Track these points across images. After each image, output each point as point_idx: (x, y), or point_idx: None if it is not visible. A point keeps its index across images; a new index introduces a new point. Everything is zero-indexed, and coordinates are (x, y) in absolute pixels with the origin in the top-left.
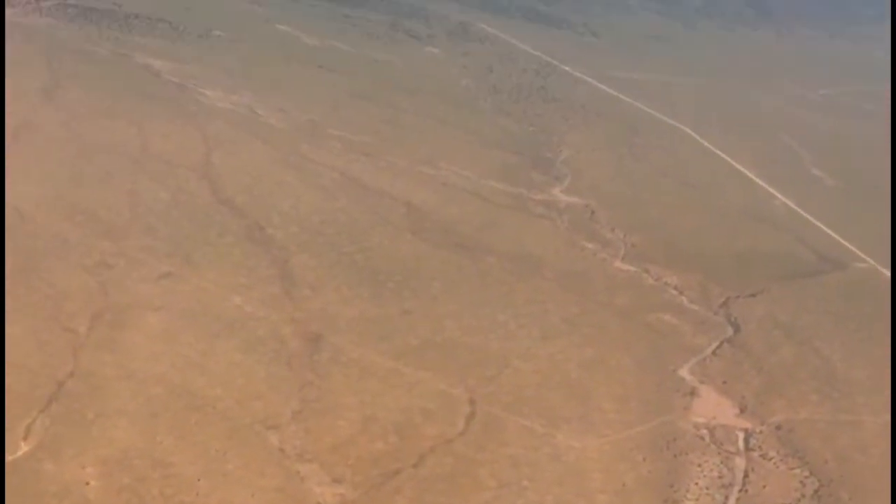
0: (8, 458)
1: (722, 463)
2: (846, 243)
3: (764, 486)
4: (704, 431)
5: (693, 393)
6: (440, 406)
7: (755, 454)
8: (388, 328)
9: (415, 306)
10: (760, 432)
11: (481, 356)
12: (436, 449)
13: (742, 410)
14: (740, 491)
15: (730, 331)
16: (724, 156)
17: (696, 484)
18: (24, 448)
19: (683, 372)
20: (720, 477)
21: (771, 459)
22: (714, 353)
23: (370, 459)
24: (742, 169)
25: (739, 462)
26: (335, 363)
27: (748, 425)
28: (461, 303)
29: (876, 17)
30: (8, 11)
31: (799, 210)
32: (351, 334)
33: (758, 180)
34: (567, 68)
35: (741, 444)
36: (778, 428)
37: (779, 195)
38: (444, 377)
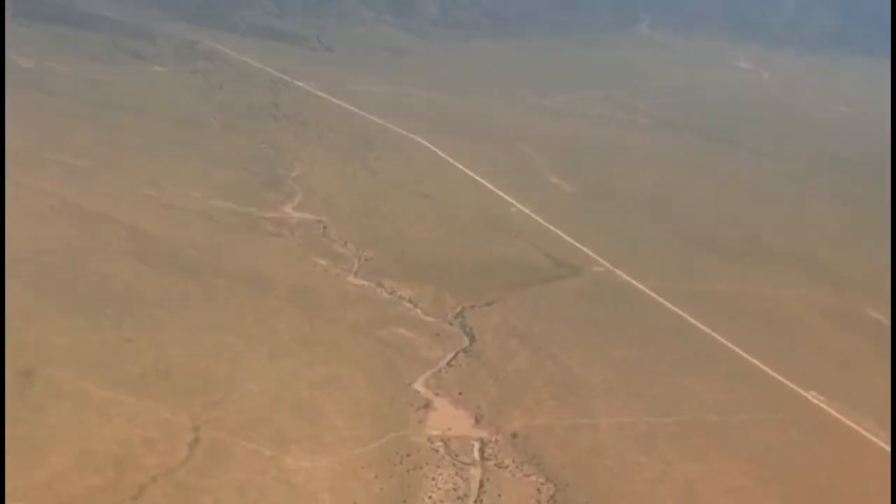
0: None
1: (457, 475)
2: (583, 248)
3: (499, 495)
4: (439, 444)
5: (428, 406)
6: (162, 435)
7: (490, 463)
8: (107, 357)
9: (137, 333)
10: (496, 441)
11: (207, 381)
12: (157, 479)
13: (478, 420)
14: (475, 501)
15: (465, 341)
16: (460, 166)
17: (430, 497)
18: None
19: (418, 385)
20: (455, 489)
21: (507, 468)
22: (449, 364)
23: (84, 495)
24: (479, 178)
25: (475, 473)
26: (49, 396)
27: (484, 435)
28: (187, 327)
29: (612, 24)
30: None
31: (536, 217)
32: (67, 365)
33: (495, 189)
34: (300, 83)
35: (476, 454)
36: (514, 436)
37: (516, 203)
38: (167, 405)
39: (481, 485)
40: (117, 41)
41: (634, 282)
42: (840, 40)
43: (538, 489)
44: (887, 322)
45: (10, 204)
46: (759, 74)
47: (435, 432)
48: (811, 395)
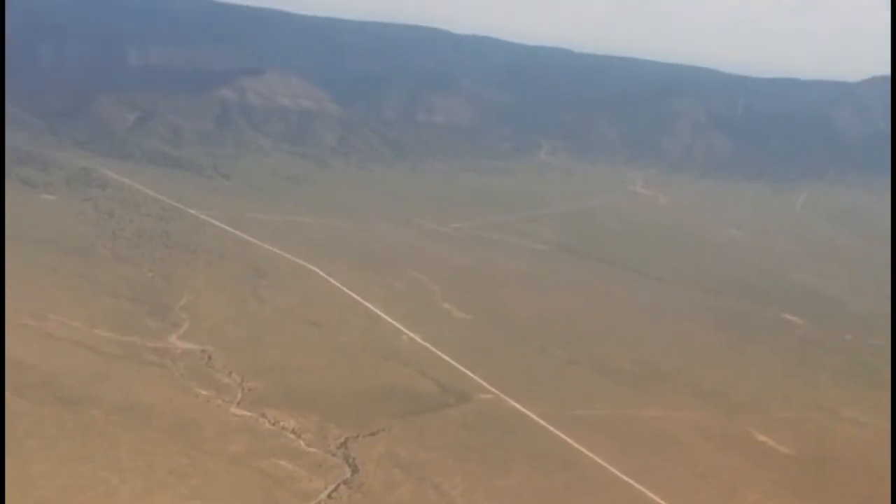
0: None
1: None
2: (472, 375)
3: None
4: None
5: None
6: None
7: None
8: None
9: (7, 469)
10: None
11: None
12: None
13: None
14: None
15: (348, 472)
16: (352, 293)
17: None
18: None
19: None
20: None
21: None
22: (330, 496)
23: None
24: (370, 306)
25: None
26: None
27: None
28: (59, 460)
29: (511, 151)
30: None
31: (425, 344)
32: None
33: (385, 316)
34: (193, 211)
35: None
36: None
37: (406, 330)
38: None
39: None
40: (8, 169)
41: (523, 408)
42: (733, 165)
43: None
44: (774, 444)
45: None
46: (656, 198)
47: None
48: None
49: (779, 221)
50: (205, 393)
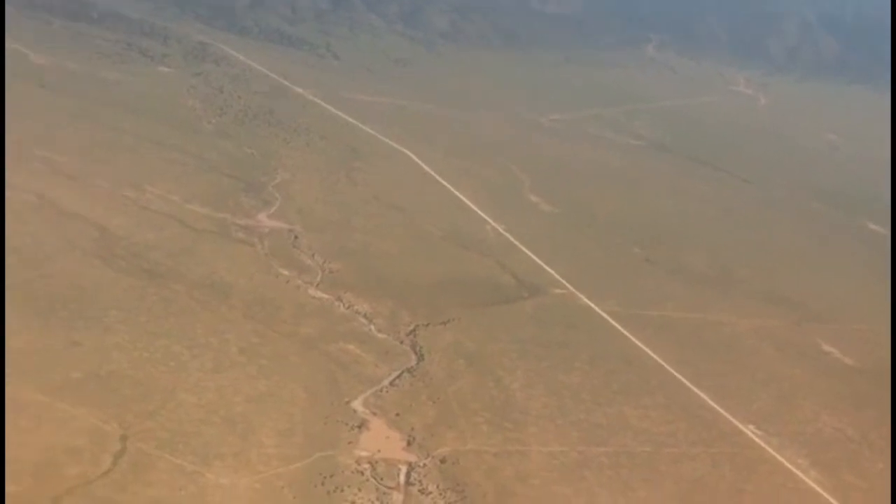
0: None
1: (377, 499)
2: (549, 269)
3: None
4: (366, 466)
5: (362, 426)
6: (89, 443)
7: (414, 489)
8: (51, 360)
9: (85, 337)
10: (424, 466)
11: (145, 389)
12: (73, 491)
13: (409, 443)
14: None
15: (413, 360)
16: (441, 180)
17: None
18: None
19: (357, 404)
20: None
21: (429, 494)
22: (392, 383)
23: None
24: (458, 194)
25: (397, 497)
26: None
27: (413, 458)
28: (136, 333)
29: (619, 44)
30: None
31: (508, 236)
32: (11, 367)
33: (471, 205)
34: (300, 90)
35: (402, 478)
36: (442, 461)
37: (490, 220)
38: (100, 412)
39: None
40: (131, 40)
41: (593, 305)
42: (840, 69)
43: None
44: (839, 355)
45: None
46: (757, 99)
47: (364, 453)
48: (749, 430)
49: (880, 128)
50: (286, 273)
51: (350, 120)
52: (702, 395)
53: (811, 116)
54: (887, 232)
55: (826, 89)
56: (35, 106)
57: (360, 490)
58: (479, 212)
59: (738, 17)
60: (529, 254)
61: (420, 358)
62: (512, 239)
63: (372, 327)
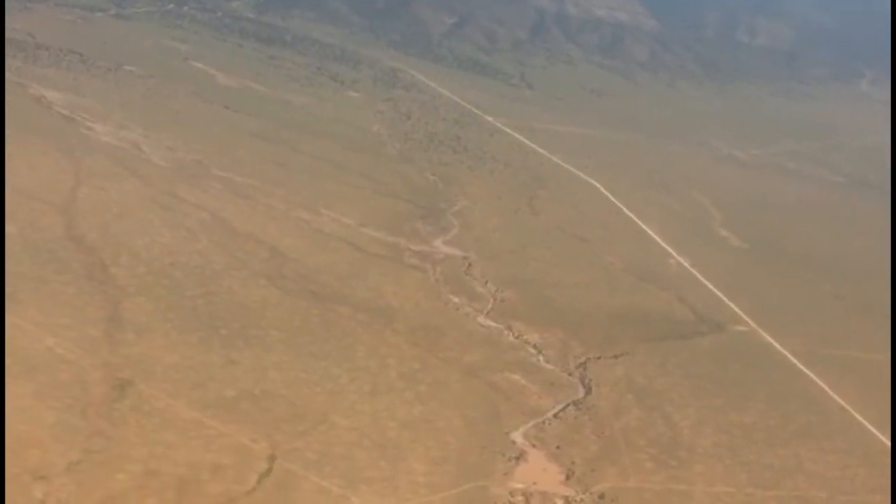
0: None
1: None
2: (732, 305)
3: None
4: (519, 498)
5: (520, 457)
6: (236, 461)
7: None
8: (206, 377)
9: (243, 356)
10: (581, 500)
11: (299, 410)
12: None
13: (568, 477)
14: None
15: (580, 392)
16: (628, 212)
17: None
18: None
19: (517, 435)
20: None
21: None
22: (556, 415)
23: None
24: (643, 226)
25: None
26: (136, 412)
27: (570, 493)
28: (296, 354)
29: (830, 78)
30: None
31: (692, 270)
32: (165, 382)
33: (656, 238)
34: (490, 118)
35: None
36: (601, 497)
37: (674, 254)
38: (250, 431)
39: None
40: (322, 64)
41: (776, 343)
42: None
43: None
44: None
45: (161, 215)
46: None
47: (519, 486)
48: None
49: None
50: (456, 300)
51: (538, 149)
52: (886, 440)
53: None
54: None
55: None
56: (217, 126)
57: None
58: (664, 244)
59: None
60: (712, 288)
61: (588, 391)
62: (695, 273)
63: (540, 358)
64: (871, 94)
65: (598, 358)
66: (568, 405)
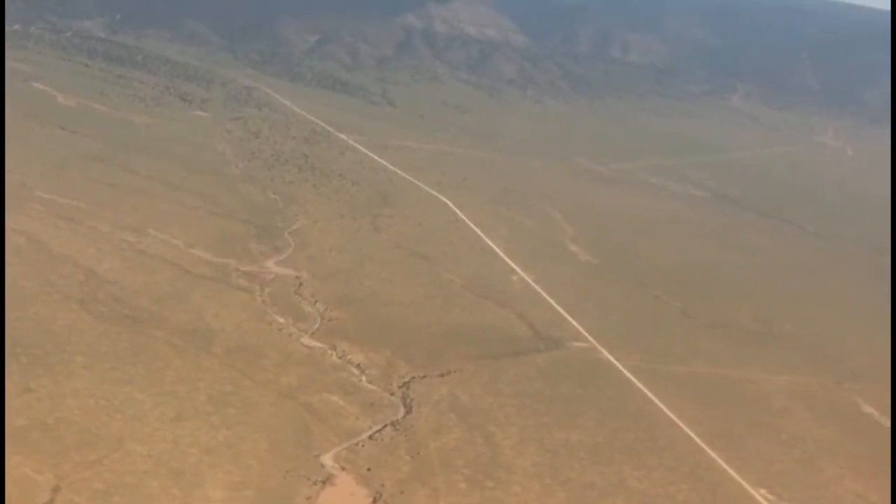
0: None
1: None
2: (573, 321)
3: None
4: None
5: (328, 481)
6: (16, 493)
7: None
8: None
9: (41, 383)
10: None
11: (92, 438)
12: None
13: (375, 500)
14: None
15: (401, 412)
16: (476, 229)
17: None
18: None
19: (327, 458)
20: None
21: None
22: (372, 437)
23: None
24: (490, 242)
25: None
26: None
27: None
28: (99, 380)
29: (703, 93)
30: None
31: (535, 287)
32: None
33: (502, 254)
34: (343, 136)
35: None
36: None
37: (519, 270)
38: (36, 461)
39: None
40: (172, 83)
41: (614, 360)
42: None
43: None
44: (879, 417)
45: None
46: (843, 151)
47: None
48: (760, 494)
49: None
50: (281, 320)
51: (389, 166)
52: (714, 455)
53: None
54: None
55: None
56: (48, 147)
57: None
58: (510, 261)
59: (833, 66)
60: (555, 305)
61: (408, 411)
62: (538, 289)
63: (363, 378)
64: (742, 108)
65: (424, 377)
66: (385, 426)
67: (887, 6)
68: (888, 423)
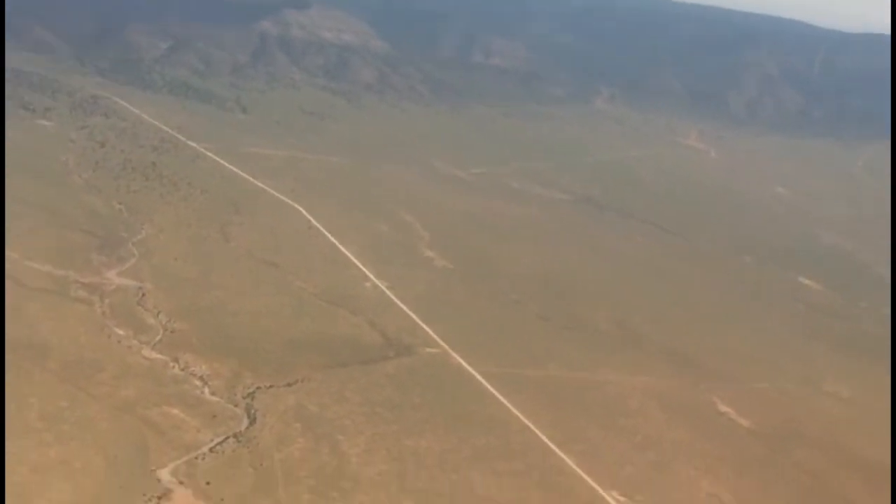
0: None
1: None
2: (426, 328)
3: None
4: None
5: (164, 497)
6: None
7: None
8: None
9: None
10: None
11: None
12: None
13: None
14: None
15: (244, 424)
16: (329, 235)
17: None
18: None
19: (165, 472)
20: None
21: None
22: (213, 449)
23: None
24: (344, 249)
25: None
26: None
27: None
28: None
29: (568, 97)
30: None
31: (388, 293)
32: None
33: (355, 261)
34: (193, 144)
35: None
36: None
37: (373, 277)
38: None
39: None
40: (14, 93)
41: (467, 365)
42: (803, 122)
43: None
44: (735, 416)
45: None
46: (707, 153)
47: None
48: (612, 497)
49: (832, 182)
50: (121, 332)
51: (241, 173)
52: (567, 459)
53: (763, 170)
54: (819, 287)
55: (786, 143)
56: None
57: None
58: (363, 268)
59: (697, 69)
60: (408, 311)
61: (252, 422)
62: (392, 296)
63: (206, 390)
64: (606, 111)
65: (270, 387)
66: (228, 438)
67: (751, 8)
68: (745, 423)
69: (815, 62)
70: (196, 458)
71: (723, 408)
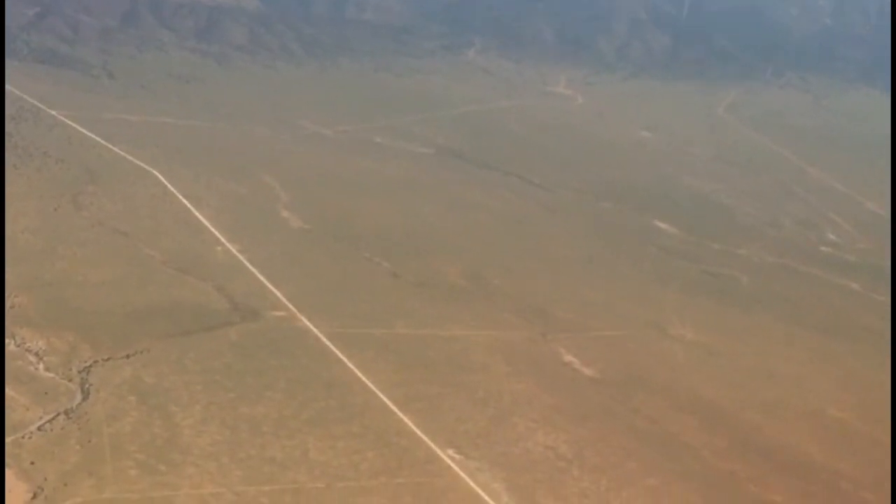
0: None
1: None
2: (275, 290)
3: None
4: None
5: None
6: None
7: None
8: None
9: None
10: None
11: None
12: None
13: (35, 496)
14: None
15: (77, 399)
16: (184, 200)
17: None
18: None
19: None
20: None
21: None
22: (41, 428)
23: None
24: (198, 214)
25: None
26: None
27: None
28: None
29: (439, 50)
30: None
31: (240, 257)
32: None
33: (209, 225)
34: (53, 112)
35: None
36: None
37: (225, 241)
38: None
39: None
40: None
41: (313, 327)
42: (671, 65)
43: None
44: (579, 366)
45: None
46: (574, 99)
47: None
48: (448, 455)
49: (695, 124)
50: None
51: (101, 141)
52: (406, 419)
53: (628, 114)
54: (674, 230)
55: (653, 86)
56: None
57: None
58: (216, 232)
59: (566, 17)
60: (258, 274)
61: (86, 397)
62: (243, 260)
63: (40, 366)
64: (478, 63)
65: (107, 360)
66: (58, 415)
67: None
68: (588, 372)
69: (685, 3)
70: (23, 437)
71: (567, 358)
